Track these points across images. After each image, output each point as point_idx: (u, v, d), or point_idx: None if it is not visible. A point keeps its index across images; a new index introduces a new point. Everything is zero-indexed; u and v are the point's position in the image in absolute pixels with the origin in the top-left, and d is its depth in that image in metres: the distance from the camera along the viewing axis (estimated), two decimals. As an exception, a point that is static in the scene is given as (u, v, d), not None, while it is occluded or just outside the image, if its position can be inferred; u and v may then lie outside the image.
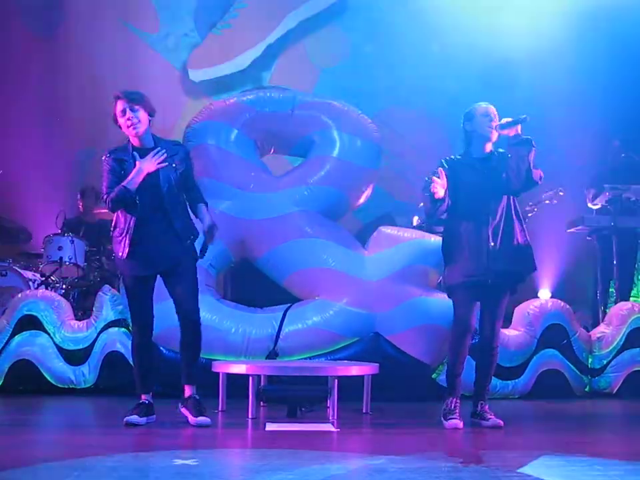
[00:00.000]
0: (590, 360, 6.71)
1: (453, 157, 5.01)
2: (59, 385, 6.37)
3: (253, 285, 6.84)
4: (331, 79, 9.57)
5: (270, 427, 4.77)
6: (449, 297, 5.03)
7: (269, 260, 6.56)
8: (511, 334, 6.53)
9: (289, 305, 6.39)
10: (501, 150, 5.01)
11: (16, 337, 6.43)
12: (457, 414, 4.82)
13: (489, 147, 4.98)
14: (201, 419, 4.73)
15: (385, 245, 6.48)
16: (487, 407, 4.95)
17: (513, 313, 6.70)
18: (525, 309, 6.63)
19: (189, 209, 4.96)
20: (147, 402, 4.85)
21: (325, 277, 6.39)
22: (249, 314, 6.35)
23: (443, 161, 4.94)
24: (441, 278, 6.03)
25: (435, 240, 6.52)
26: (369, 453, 4.10)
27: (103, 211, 8.01)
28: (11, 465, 3.42)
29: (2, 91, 9.38)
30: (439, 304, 6.26)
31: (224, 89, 9.12)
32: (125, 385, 6.30)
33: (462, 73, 9.47)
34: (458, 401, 4.90)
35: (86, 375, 6.38)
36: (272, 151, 7.04)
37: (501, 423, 4.83)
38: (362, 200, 6.88)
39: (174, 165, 4.84)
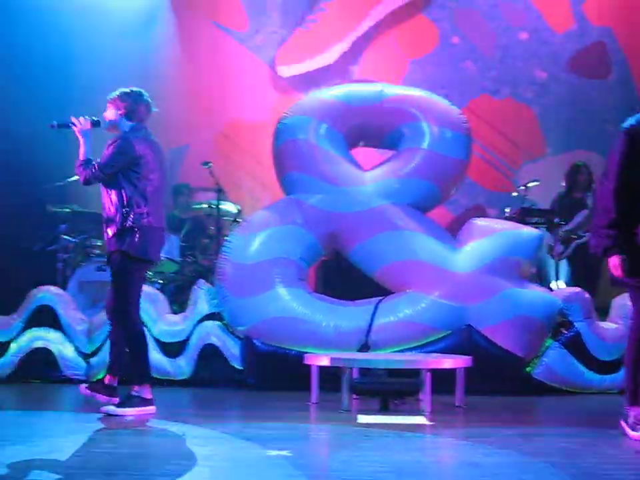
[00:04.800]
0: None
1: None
2: (157, 376, 6.53)
3: (344, 278, 6.88)
4: (419, 70, 9.50)
5: (362, 419, 4.79)
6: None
7: (360, 253, 6.57)
8: (609, 327, 6.38)
9: (380, 297, 6.39)
10: None
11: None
12: None
13: None
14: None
15: (476, 236, 6.42)
16: None
17: (610, 305, 6.55)
18: (623, 301, 6.46)
19: (120, 195, 4.97)
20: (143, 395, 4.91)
21: (416, 269, 6.37)
22: (340, 307, 6.38)
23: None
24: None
25: (528, 231, 6.42)
26: (462, 446, 4.08)
27: (197, 207, 8.18)
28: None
29: (96, 91, 9.65)
30: (533, 296, 6.17)
31: (312, 84, 9.15)
32: (220, 376, 6.45)
33: (550, 60, 9.31)
34: None
35: (182, 366, 6.53)
36: (361, 144, 7.05)
37: None
38: (452, 191, 6.83)
39: None
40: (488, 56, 9.51)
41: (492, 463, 3.50)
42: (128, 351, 5.03)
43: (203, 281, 6.80)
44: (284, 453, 3.57)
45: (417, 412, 5.02)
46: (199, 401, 5.92)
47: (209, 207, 7.93)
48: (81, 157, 5.06)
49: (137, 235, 4.89)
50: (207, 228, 8.13)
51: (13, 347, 6.72)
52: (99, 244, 8.32)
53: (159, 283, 7.66)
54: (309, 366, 5.51)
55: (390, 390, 5.29)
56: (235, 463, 3.38)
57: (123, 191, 4.94)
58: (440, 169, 6.60)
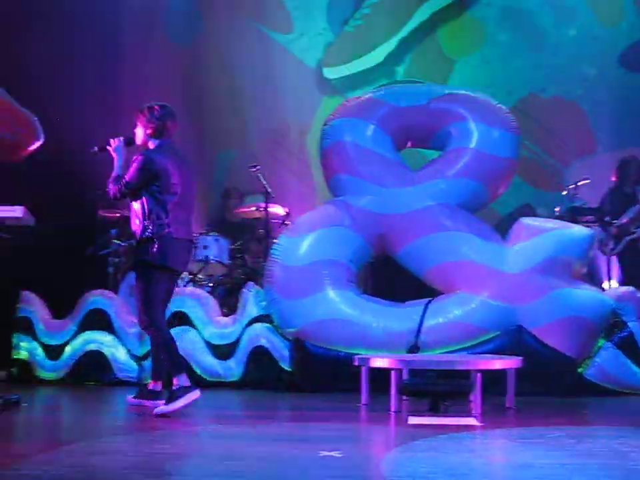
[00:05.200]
0: None
1: None
2: (208, 378, 6.61)
3: (393, 280, 6.88)
4: (465, 69, 9.45)
5: (412, 420, 4.79)
6: None
7: (409, 254, 6.57)
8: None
9: (429, 298, 6.38)
10: None
11: (168, 332, 6.72)
12: None
13: None
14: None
15: (526, 236, 6.37)
16: None
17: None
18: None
19: (142, 208, 5.18)
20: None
21: (465, 269, 6.34)
22: (389, 308, 6.38)
23: None
24: None
25: (579, 230, 6.35)
26: (513, 447, 4.06)
27: (246, 210, 8.24)
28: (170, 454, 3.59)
29: (149, 98, 9.78)
30: (584, 296, 6.10)
31: (359, 85, 9.17)
32: (270, 378, 6.49)
33: (599, 56, 9.19)
34: None
35: (233, 368, 6.59)
36: (408, 144, 7.04)
37: None
38: (501, 191, 6.79)
39: None
40: (536, 53, 9.42)
41: (544, 465, 3.48)
42: (161, 353, 5.25)
43: (252, 283, 6.85)
44: (335, 453, 3.59)
45: (467, 413, 5.01)
46: (249, 403, 5.97)
47: (257, 209, 7.98)
48: (113, 174, 5.31)
49: (157, 245, 5.09)
50: (256, 231, 8.18)
51: (68, 350, 6.85)
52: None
53: (209, 286, 7.74)
54: (358, 367, 5.52)
55: (440, 391, 5.28)
56: (287, 464, 3.41)
57: (144, 204, 5.16)
58: (488, 168, 6.56)
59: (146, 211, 5.15)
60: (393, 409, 5.11)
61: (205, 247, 7.75)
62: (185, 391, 5.02)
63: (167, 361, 5.22)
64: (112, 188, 5.26)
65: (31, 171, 7.39)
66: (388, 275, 6.96)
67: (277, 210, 8.09)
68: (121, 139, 5.37)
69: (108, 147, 5.38)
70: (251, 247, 8.14)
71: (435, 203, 6.49)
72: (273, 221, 8.04)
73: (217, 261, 7.78)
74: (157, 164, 5.15)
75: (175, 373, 5.11)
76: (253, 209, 8.06)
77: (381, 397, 5.29)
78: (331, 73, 9.72)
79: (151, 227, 5.11)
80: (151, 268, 5.13)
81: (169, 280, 5.33)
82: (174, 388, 5.07)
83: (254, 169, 7.86)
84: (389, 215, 6.53)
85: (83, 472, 3.14)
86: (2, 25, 8.40)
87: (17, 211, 5.21)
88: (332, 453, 3.59)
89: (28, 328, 6.95)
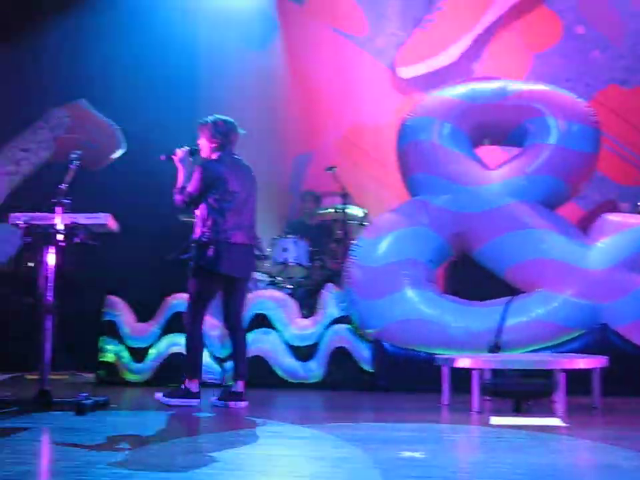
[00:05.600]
0: None
1: None
2: (290, 380, 6.67)
3: (473, 279, 6.82)
4: (543, 63, 9.29)
5: (495, 420, 4.74)
6: None
7: (488, 253, 6.51)
8: None
9: (510, 297, 6.31)
10: None
11: (249, 334, 6.80)
12: None
13: None
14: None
15: (609, 232, 6.25)
16: None
17: None
18: None
19: (202, 215, 5.48)
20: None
21: (547, 267, 6.25)
22: (469, 308, 6.34)
23: None
24: None
25: (664, 225, 6.20)
26: (599, 448, 3.98)
27: (323, 212, 8.29)
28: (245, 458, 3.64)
29: (226, 104, 9.92)
30: (671, 292, 5.95)
31: (434, 84, 9.10)
32: (350, 379, 6.51)
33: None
34: None
35: (314, 369, 6.64)
36: (486, 142, 6.98)
37: None
38: (582, 186, 6.67)
39: None
40: (616, 44, 9.20)
41: (631, 467, 3.40)
42: (186, 349, 5.57)
43: (332, 284, 6.88)
44: (417, 454, 3.59)
45: (551, 414, 4.93)
46: (331, 404, 6.00)
47: (335, 211, 8.02)
48: (178, 184, 5.57)
49: (211, 250, 5.37)
50: (334, 232, 8.21)
51: (152, 352, 7.00)
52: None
53: (289, 288, 7.80)
54: (439, 367, 5.50)
55: (523, 391, 5.22)
56: (369, 464, 3.42)
57: (204, 210, 5.45)
58: (568, 164, 6.46)
59: (204, 217, 5.44)
60: (474, 409, 5.08)
61: (284, 250, 7.81)
62: (188, 394, 5.44)
63: (188, 360, 5.55)
64: (177, 198, 5.56)
65: (114, 178, 7.60)
66: (467, 274, 6.91)
67: (355, 211, 8.11)
68: (186, 149, 5.62)
69: (173, 157, 5.63)
70: (329, 248, 8.17)
71: (514, 201, 6.42)
72: (351, 222, 8.06)
73: (296, 263, 7.84)
74: (214, 173, 5.46)
75: (190, 377, 5.47)
76: (331, 210, 8.10)
77: (463, 397, 5.26)
78: (406, 73, 9.69)
79: (207, 233, 5.39)
80: (205, 272, 5.41)
81: (223, 285, 5.54)
82: (182, 387, 5.44)
83: (331, 171, 7.89)
84: (467, 213, 6.49)
85: (169, 471, 3.21)
86: (78, 36, 8.63)
87: (102, 218, 5.36)
88: (414, 454, 3.59)
89: (114, 331, 7.13)
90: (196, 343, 5.55)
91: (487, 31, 9.54)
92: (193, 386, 5.47)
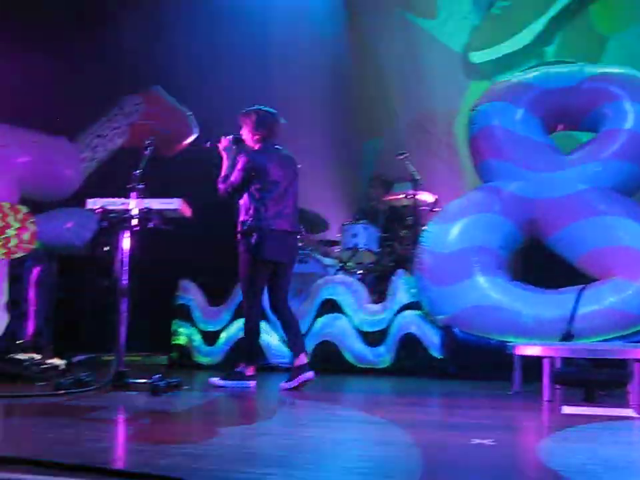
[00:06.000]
0: None
1: None
2: (359, 365, 6.70)
3: (544, 266, 6.74)
4: (619, 46, 9.08)
5: (566, 409, 4.68)
6: None
7: (561, 240, 6.42)
8: None
9: (583, 285, 6.22)
10: None
11: (319, 319, 6.87)
12: None
13: None
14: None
15: (686, 219, 6.09)
16: None
17: None
18: None
19: (245, 203, 5.63)
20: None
21: (621, 255, 6.14)
22: (540, 295, 6.26)
23: None
24: None
25: None
26: (675, 439, 3.91)
27: (393, 197, 8.27)
28: (319, 441, 3.68)
29: (291, 89, 9.97)
30: None
31: (506, 68, 8.99)
32: (420, 365, 6.51)
33: None
34: None
35: (383, 355, 6.66)
36: (559, 127, 6.87)
37: None
38: (659, 173, 6.51)
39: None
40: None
41: None
42: (244, 334, 5.70)
43: (402, 270, 6.88)
44: (487, 441, 3.58)
45: (624, 404, 4.85)
46: (400, 389, 6.01)
47: (405, 197, 8.00)
48: (222, 173, 5.71)
49: (255, 237, 5.54)
50: (404, 218, 8.19)
51: (223, 336, 7.12)
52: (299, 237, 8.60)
53: (359, 274, 7.82)
54: (510, 355, 5.46)
55: (595, 380, 5.13)
56: (439, 450, 3.42)
57: (248, 199, 5.62)
58: (645, 149, 6.31)
59: (248, 205, 5.61)
60: (546, 397, 5.02)
61: (354, 235, 7.83)
62: (242, 377, 5.58)
63: (246, 347, 5.68)
64: (221, 187, 5.71)
65: (187, 164, 7.70)
66: (539, 261, 6.83)
67: (426, 197, 8.07)
68: (231, 138, 5.75)
69: (218, 145, 5.77)
70: (399, 234, 8.16)
71: (588, 187, 6.31)
72: (422, 208, 8.03)
73: (366, 248, 7.85)
74: (257, 164, 5.61)
75: (247, 362, 5.63)
76: (402, 196, 8.07)
77: (534, 385, 5.21)
78: (477, 57, 9.58)
79: (250, 221, 5.55)
80: (251, 259, 5.55)
81: (270, 270, 5.66)
82: (237, 370, 5.59)
83: (402, 157, 7.87)
84: (540, 199, 6.40)
85: (241, 453, 3.27)
86: (153, 24, 8.75)
87: (175, 203, 5.46)
88: (484, 441, 3.58)
89: (186, 315, 7.27)
90: (252, 330, 5.66)
91: (560, 14, 9.37)
92: (248, 369, 5.62)
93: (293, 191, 5.79)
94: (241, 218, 5.66)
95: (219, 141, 5.77)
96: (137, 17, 8.59)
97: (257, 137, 5.73)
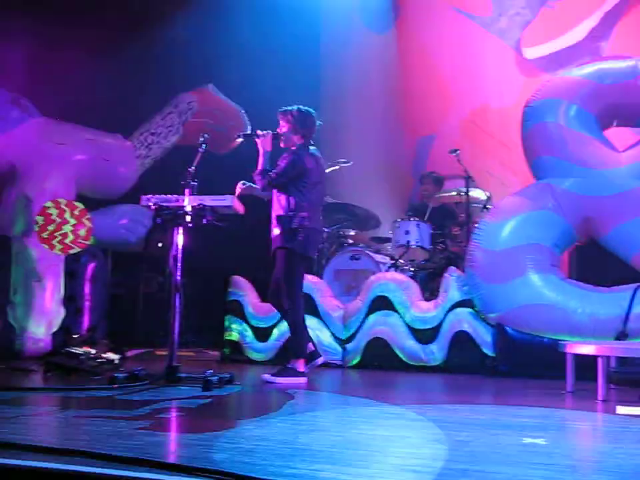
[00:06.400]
0: None
1: None
2: (410, 362, 6.69)
3: (599, 264, 6.65)
4: (678, 40, 8.90)
5: (621, 410, 4.62)
6: None
7: (616, 237, 6.33)
8: None
9: (638, 284, 6.12)
10: None
11: (370, 316, 6.87)
12: None
13: None
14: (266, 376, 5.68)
15: None
16: None
17: None
18: None
19: (288, 201, 5.77)
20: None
21: (678, 254, 6.03)
22: (595, 293, 6.18)
23: None
24: None
25: None
26: None
27: (446, 194, 8.23)
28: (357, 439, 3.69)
29: (343, 85, 9.98)
30: None
31: (560, 64, 8.87)
32: (472, 363, 6.47)
33: None
34: None
35: (435, 353, 6.63)
36: (615, 123, 6.77)
37: None
38: None
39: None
40: None
41: None
42: (291, 331, 5.87)
43: (454, 268, 6.85)
44: (539, 441, 3.55)
45: (682, 404, 4.76)
46: (452, 387, 5.98)
47: (458, 194, 7.95)
48: (259, 167, 5.83)
49: (301, 235, 5.72)
50: (457, 215, 8.15)
51: (275, 332, 7.16)
52: (351, 233, 8.62)
53: (411, 271, 7.80)
54: (563, 354, 5.40)
55: (651, 380, 5.06)
56: (491, 449, 3.40)
57: (291, 197, 5.77)
58: None
59: (292, 203, 5.74)
60: (600, 397, 4.96)
61: (407, 232, 7.82)
62: (295, 373, 5.71)
63: (294, 342, 5.82)
64: (260, 181, 5.82)
65: (240, 161, 7.77)
66: (593, 259, 6.74)
67: (478, 194, 8.02)
68: (271, 133, 5.85)
69: (255, 138, 5.90)
70: (452, 231, 8.12)
71: (644, 184, 6.21)
72: (474, 205, 7.98)
73: (418, 245, 7.83)
74: (305, 163, 5.78)
75: (296, 357, 5.77)
76: (454, 193, 8.04)
77: (587, 385, 5.15)
78: (531, 53, 9.48)
79: (296, 219, 5.70)
80: (294, 256, 5.72)
81: (305, 266, 5.92)
82: (288, 366, 5.70)
83: (454, 154, 7.83)
84: (594, 197, 6.32)
85: (292, 448, 3.30)
86: (206, 23, 8.84)
87: (227, 200, 5.52)
88: (536, 440, 3.55)
89: (238, 311, 7.33)
90: (299, 324, 5.81)
91: (616, 8, 9.21)
92: (299, 365, 5.72)
93: (324, 191, 6.15)
94: (280, 213, 5.79)
95: (256, 133, 5.90)
96: (190, 15, 8.69)
97: (297, 135, 5.86)
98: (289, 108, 5.88)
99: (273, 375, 5.71)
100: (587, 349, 5.21)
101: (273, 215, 5.89)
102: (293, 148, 5.88)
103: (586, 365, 5.22)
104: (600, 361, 5.01)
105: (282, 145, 5.94)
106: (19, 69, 7.38)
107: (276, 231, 5.85)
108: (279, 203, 5.85)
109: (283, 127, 5.89)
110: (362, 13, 9.91)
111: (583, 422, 4.42)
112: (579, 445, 3.81)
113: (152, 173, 8.29)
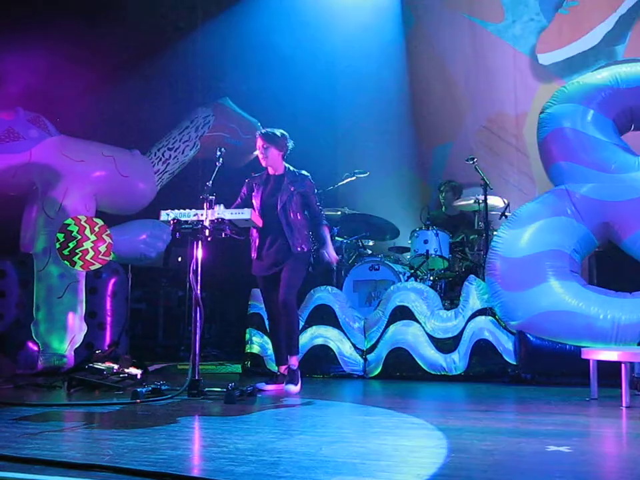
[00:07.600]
0: None
1: None
2: (432, 372, 6.67)
3: (620, 269, 6.61)
4: (695, 43, 8.86)
5: (646, 416, 4.59)
6: None
7: (636, 242, 6.29)
8: None
9: (660, 288, 6.08)
10: None
11: (391, 326, 6.86)
12: None
13: None
14: (289, 386, 5.81)
15: None
16: None
17: None
18: None
19: (307, 228, 6.06)
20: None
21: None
22: (617, 299, 6.14)
23: None
24: None
25: None
26: None
27: (463, 203, 8.21)
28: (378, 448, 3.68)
29: (360, 93, 9.99)
30: None
31: (576, 69, 8.86)
32: (494, 371, 6.45)
33: None
34: None
35: (456, 362, 6.61)
36: (633, 128, 6.73)
37: None
38: None
39: (292, 189, 5.96)
40: None
41: None
42: (290, 330, 5.95)
43: (474, 276, 6.83)
44: (563, 449, 3.53)
45: None
46: (474, 396, 5.96)
47: (476, 202, 7.93)
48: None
49: (313, 257, 6.19)
50: (475, 223, 8.13)
51: (296, 343, 7.15)
52: (370, 244, 8.62)
53: (430, 280, 7.79)
54: (586, 360, 5.37)
55: (676, 386, 5.02)
56: (514, 457, 3.39)
57: (305, 223, 6.10)
58: None
59: (304, 228, 6.09)
60: (624, 404, 4.92)
61: (426, 242, 7.80)
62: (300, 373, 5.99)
63: (294, 338, 5.96)
64: (329, 234, 6.31)
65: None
66: (614, 265, 6.70)
67: (496, 201, 8.00)
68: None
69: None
70: (471, 239, 8.10)
71: (663, 188, 6.17)
72: (493, 212, 7.96)
73: (437, 254, 7.81)
74: None
75: (295, 353, 5.94)
76: (472, 201, 8.02)
77: (611, 392, 5.11)
78: (546, 59, 9.46)
79: (311, 244, 6.21)
80: (305, 273, 6.08)
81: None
82: (293, 368, 5.93)
83: (471, 162, 7.82)
84: (613, 202, 6.29)
85: (315, 460, 3.30)
86: (222, 40, 8.90)
87: (246, 213, 5.55)
88: (560, 448, 3.53)
89: (259, 324, 7.34)
90: (298, 323, 6.20)
91: (631, 12, 9.18)
92: (294, 361, 5.95)
93: None
94: (300, 239, 5.96)
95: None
96: (206, 31, 8.75)
97: (282, 154, 6.05)
98: (275, 131, 6.03)
99: (294, 385, 5.83)
100: (610, 355, 5.17)
101: (293, 234, 5.95)
102: (280, 171, 6.05)
103: (610, 371, 5.19)
104: (623, 367, 4.98)
105: (264, 164, 6.05)
106: (37, 87, 7.44)
107: (299, 245, 5.97)
108: (297, 230, 5.98)
109: (271, 149, 5.99)
110: (376, 24, 9.93)
111: (607, 429, 4.40)
112: (603, 452, 3.78)
113: (171, 188, 8.33)
